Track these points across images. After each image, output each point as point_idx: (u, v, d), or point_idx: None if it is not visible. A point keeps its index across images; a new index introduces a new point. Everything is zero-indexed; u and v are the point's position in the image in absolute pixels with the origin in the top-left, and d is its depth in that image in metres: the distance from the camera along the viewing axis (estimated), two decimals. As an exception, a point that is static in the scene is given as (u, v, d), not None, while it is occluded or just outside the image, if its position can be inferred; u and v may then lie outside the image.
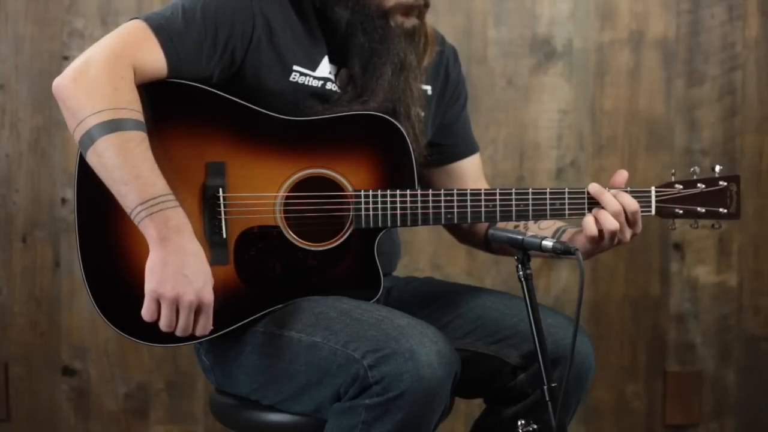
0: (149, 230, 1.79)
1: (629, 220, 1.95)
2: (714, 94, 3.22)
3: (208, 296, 1.81)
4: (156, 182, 1.81)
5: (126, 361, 3.15)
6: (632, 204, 1.95)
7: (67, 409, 3.16)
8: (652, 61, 3.20)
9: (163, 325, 1.81)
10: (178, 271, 1.78)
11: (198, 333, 1.83)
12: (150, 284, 1.80)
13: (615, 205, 1.94)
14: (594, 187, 1.97)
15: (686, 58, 3.21)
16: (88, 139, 1.81)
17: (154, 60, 1.87)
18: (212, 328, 1.84)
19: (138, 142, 1.81)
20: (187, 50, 1.89)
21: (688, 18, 3.20)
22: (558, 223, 2.09)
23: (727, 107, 3.22)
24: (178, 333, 1.82)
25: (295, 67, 1.97)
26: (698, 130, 3.22)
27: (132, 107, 1.82)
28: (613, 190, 1.96)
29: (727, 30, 3.21)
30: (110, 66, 1.83)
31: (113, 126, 1.80)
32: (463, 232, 2.24)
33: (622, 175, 2.00)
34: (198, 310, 1.81)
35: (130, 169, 1.80)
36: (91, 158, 1.82)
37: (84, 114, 1.81)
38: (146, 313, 1.81)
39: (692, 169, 2.02)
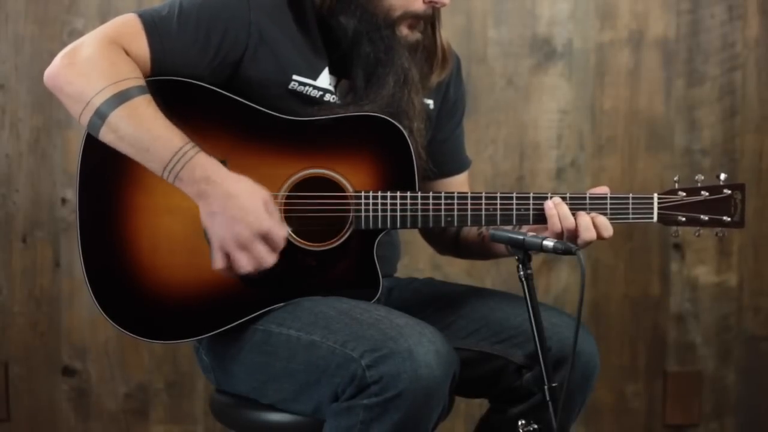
0: (186, 190, 1.83)
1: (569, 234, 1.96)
2: (714, 94, 3.22)
3: (265, 222, 1.83)
4: (171, 138, 1.82)
5: (126, 361, 3.15)
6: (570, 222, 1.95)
7: (67, 409, 3.16)
8: (652, 61, 3.20)
9: (239, 268, 1.84)
10: (226, 217, 1.82)
11: (277, 250, 1.85)
12: (212, 240, 1.84)
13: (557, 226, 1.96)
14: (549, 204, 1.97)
15: (686, 58, 3.21)
16: (98, 118, 1.82)
17: (139, 56, 1.88)
18: (286, 232, 1.86)
19: (146, 104, 1.83)
20: (174, 52, 1.89)
21: (688, 18, 3.20)
22: None
23: (727, 107, 3.22)
24: (262, 266, 1.84)
25: (294, 77, 1.97)
26: (698, 130, 3.22)
27: (132, 76, 1.84)
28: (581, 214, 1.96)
29: (727, 30, 3.21)
30: (102, 45, 1.85)
31: (120, 99, 1.82)
32: (435, 239, 2.23)
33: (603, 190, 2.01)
34: (265, 237, 1.83)
35: (146, 133, 1.82)
36: (107, 136, 1.84)
37: (88, 96, 1.82)
38: (216, 262, 1.85)
39: (696, 177, 2.01)
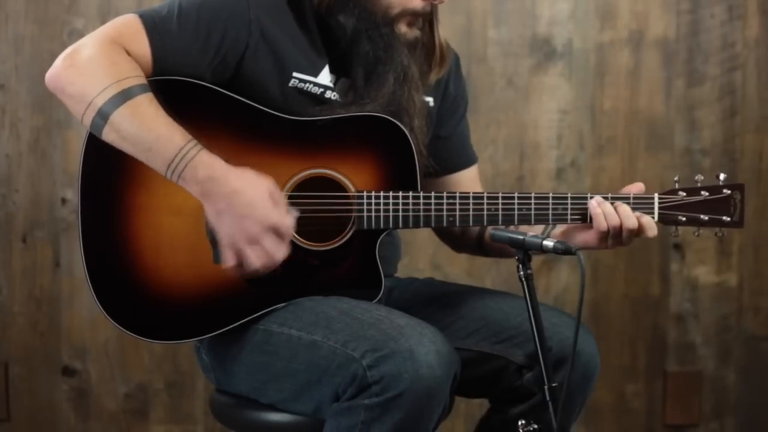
0: (190, 189, 1.83)
1: (621, 235, 1.96)
2: (714, 94, 3.22)
3: (272, 215, 1.83)
4: (173, 137, 1.82)
5: (126, 361, 3.15)
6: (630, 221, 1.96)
7: (67, 409, 3.16)
8: (652, 61, 3.20)
9: (252, 263, 1.83)
10: (234, 214, 1.81)
11: (286, 240, 1.85)
12: (220, 238, 1.84)
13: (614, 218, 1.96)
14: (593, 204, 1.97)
15: (686, 58, 3.21)
16: (101, 118, 1.82)
17: (141, 56, 1.88)
18: (293, 220, 1.86)
19: (148, 102, 1.83)
20: (175, 52, 1.89)
21: (688, 18, 3.20)
22: None
23: (727, 107, 3.23)
24: (274, 260, 1.84)
25: (294, 74, 1.97)
26: (698, 130, 3.22)
27: (133, 75, 1.84)
28: (617, 202, 1.97)
29: (727, 30, 3.21)
30: (103, 46, 1.85)
31: (122, 98, 1.82)
32: (455, 239, 2.24)
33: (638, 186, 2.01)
34: (273, 230, 1.83)
35: (148, 132, 1.82)
36: (109, 136, 1.84)
37: (90, 96, 1.82)
38: (227, 261, 1.84)
39: (696, 177, 2.02)
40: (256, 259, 1.83)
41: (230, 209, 1.82)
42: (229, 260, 1.85)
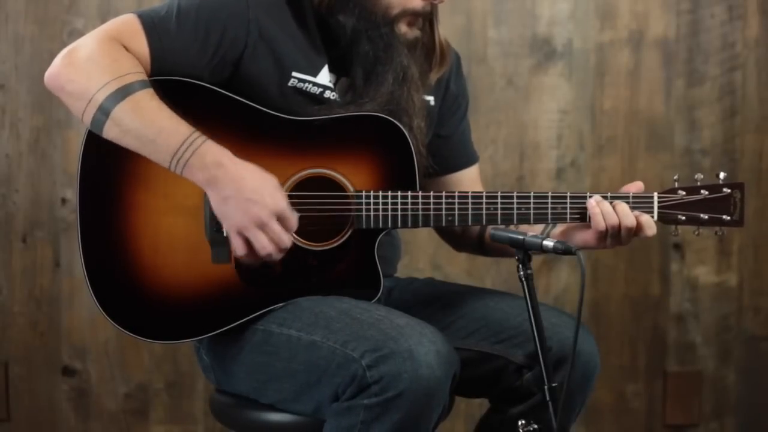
0: (195, 178, 1.83)
1: (621, 234, 1.96)
2: (714, 94, 3.22)
3: (280, 201, 1.84)
4: (178, 128, 1.83)
5: (126, 361, 3.15)
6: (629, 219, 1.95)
7: (67, 409, 3.17)
8: (652, 61, 3.20)
9: (261, 249, 1.84)
10: (241, 199, 1.82)
11: (291, 230, 1.86)
12: (228, 226, 1.84)
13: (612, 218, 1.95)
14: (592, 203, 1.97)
15: (686, 58, 3.21)
16: (102, 114, 1.82)
17: (139, 55, 1.88)
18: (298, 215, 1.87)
19: (149, 97, 1.84)
20: (174, 52, 1.90)
21: (688, 18, 3.20)
22: None
23: (727, 107, 3.23)
24: (282, 246, 1.85)
25: (294, 74, 1.97)
26: (698, 130, 3.22)
27: (133, 71, 1.84)
28: (615, 201, 1.96)
29: (727, 30, 3.21)
30: (102, 43, 1.86)
31: (123, 93, 1.82)
32: (456, 238, 2.24)
33: (637, 185, 2.01)
34: (280, 218, 1.84)
35: (150, 125, 1.82)
36: (111, 132, 1.84)
37: (90, 92, 1.83)
38: (237, 249, 1.85)
39: (696, 176, 2.02)
40: (265, 244, 1.84)
41: (238, 194, 1.82)
42: (239, 248, 1.85)
